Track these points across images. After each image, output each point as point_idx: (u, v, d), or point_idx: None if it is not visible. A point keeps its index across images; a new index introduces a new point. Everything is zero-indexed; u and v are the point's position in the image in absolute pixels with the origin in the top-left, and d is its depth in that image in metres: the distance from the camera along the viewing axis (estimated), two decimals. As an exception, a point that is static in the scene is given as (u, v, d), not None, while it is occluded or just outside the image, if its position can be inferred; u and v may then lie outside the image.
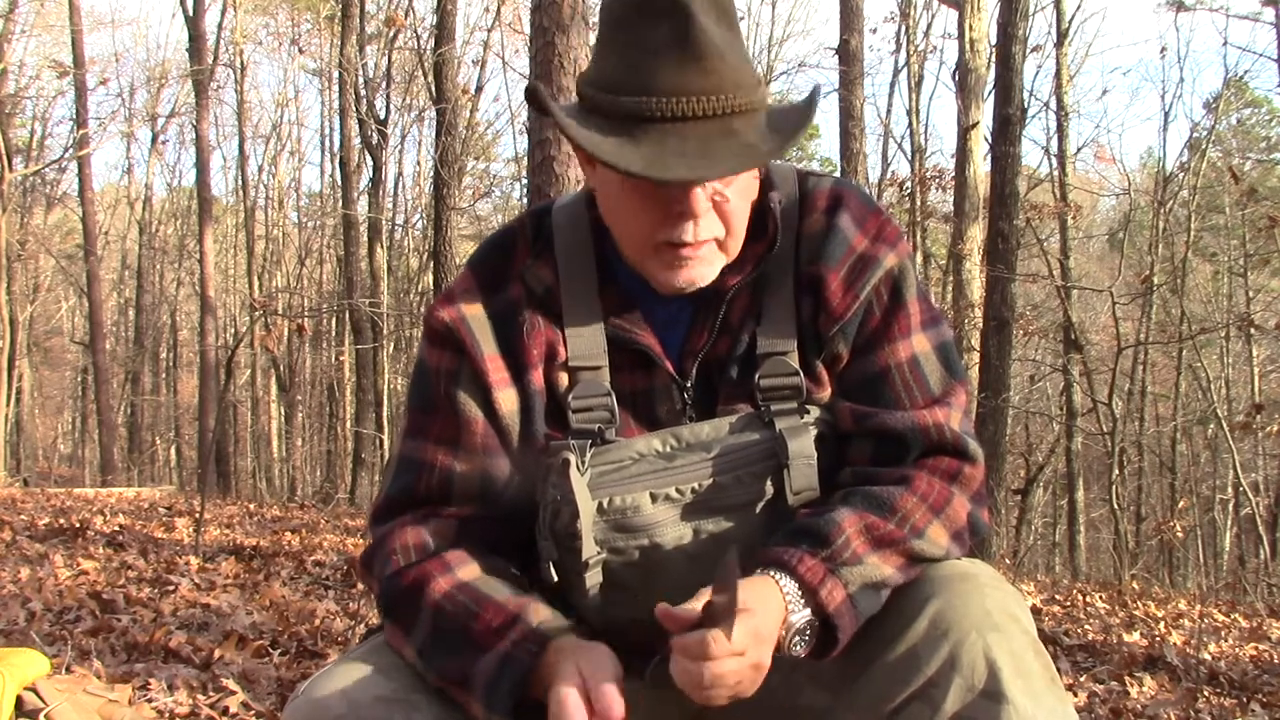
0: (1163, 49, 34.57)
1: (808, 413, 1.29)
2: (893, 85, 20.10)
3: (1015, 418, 14.19)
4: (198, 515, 6.57)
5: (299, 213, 25.51)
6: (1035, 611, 5.23)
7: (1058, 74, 14.95)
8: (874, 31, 20.85)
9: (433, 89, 12.53)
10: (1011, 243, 9.25)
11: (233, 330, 22.61)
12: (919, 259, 15.61)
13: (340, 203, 17.26)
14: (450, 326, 1.30)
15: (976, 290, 11.51)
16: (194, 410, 22.22)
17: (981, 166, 11.64)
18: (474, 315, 1.31)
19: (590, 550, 1.24)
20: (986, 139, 10.93)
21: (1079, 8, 23.85)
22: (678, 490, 1.25)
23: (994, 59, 10.72)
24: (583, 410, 1.28)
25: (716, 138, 1.18)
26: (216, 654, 3.10)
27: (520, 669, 1.16)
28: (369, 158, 15.70)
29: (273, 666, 3.04)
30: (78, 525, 6.64)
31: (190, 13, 18.00)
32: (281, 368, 21.85)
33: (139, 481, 17.88)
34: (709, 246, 1.25)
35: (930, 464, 1.27)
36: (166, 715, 2.53)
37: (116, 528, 6.76)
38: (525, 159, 7.90)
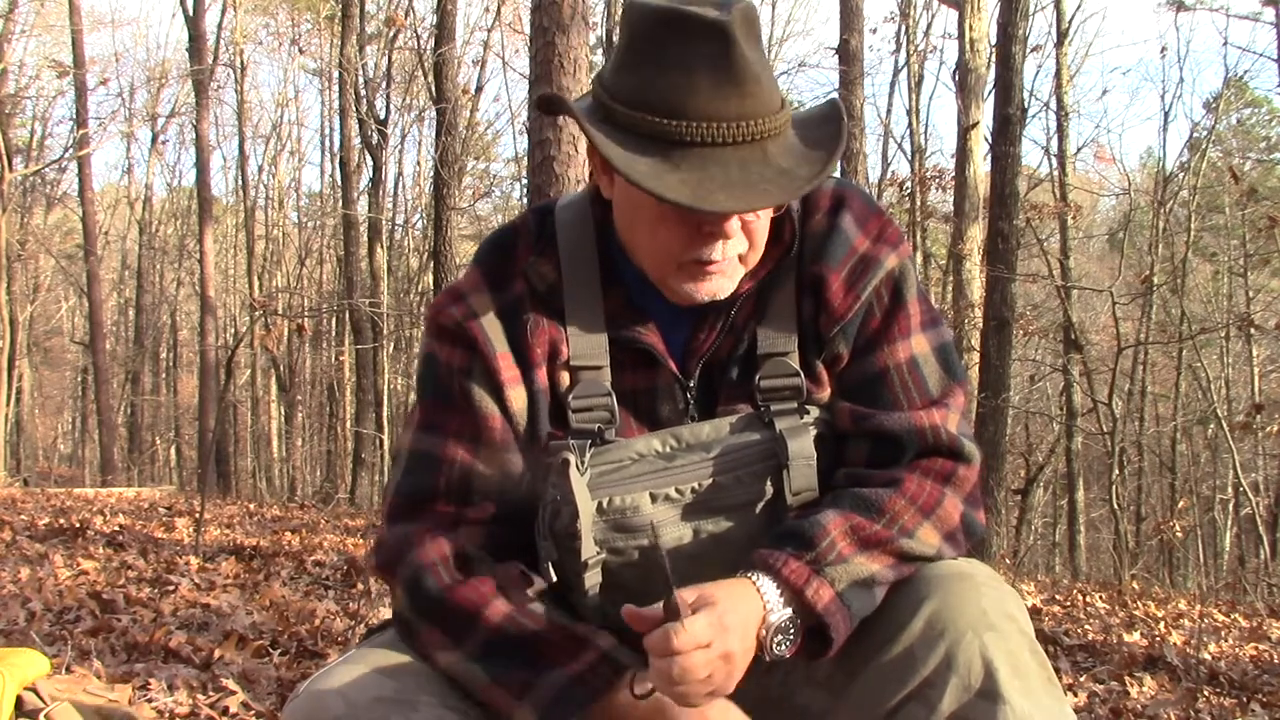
0: (1163, 49, 34.61)
1: (808, 413, 1.29)
2: (893, 85, 20.12)
3: (1015, 418, 14.18)
4: (198, 515, 6.57)
5: (299, 213, 25.55)
6: (1035, 611, 5.23)
7: (1058, 74, 14.95)
8: (874, 31, 20.83)
9: (433, 89, 12.53)
10: (1011, 243, 9.25)
11: (233, 330, 22.61)
12: (919, 259, 15.62)
13: (340, 203, 17.26)
14: (462, 324, 1.30)
15: (976, 290, 11.51)
16: (194, 410, 22.22)
17: (981, 166, 11.64)
18: (485, 313, 1.31)
19: (590, 551, 1.24)
20: (986, 139, 10.93)
21: (1079, 8, 23.84)
22: (677, 490, 1.26)
23: (994, 59, 10.73)
24: (583, 410, 1.29)
25: (755, 164, 1.18)
26: (216, 654, 3.10)
27: (591, 691, 1.17)
28: (369, 158, 15.71)
29: (273, 666, 3.04)
30: (78, 525, 6.64)
31: (190, 13, 18.00)
32: (281, 368, 21.85)
33: (139, 481, 17.88)
34: (733, 262, 1.26)
35: (924, 465, 1.28)
36: (166, 715, 2.53)
37: (116, 528, 6.76)
38: (525, 159, 7.91)
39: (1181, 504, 13.29)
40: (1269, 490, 15.35)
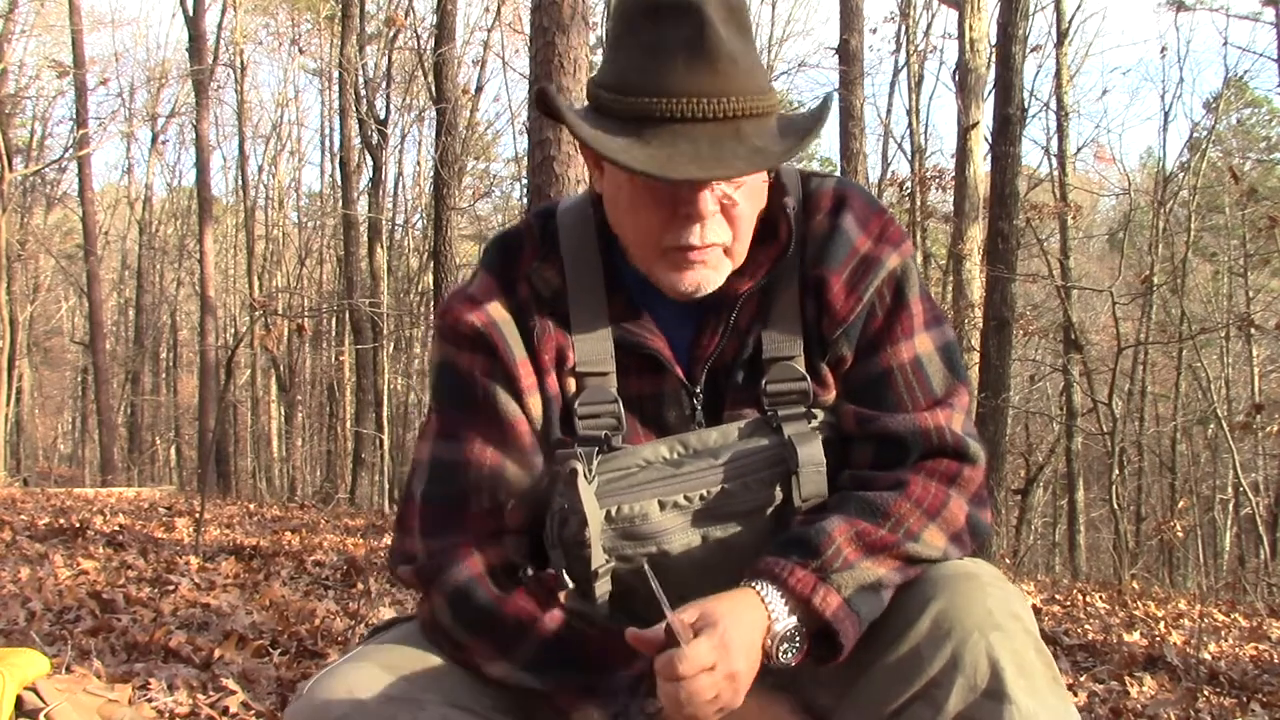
0: (1163, 49, 34.60)
1: (814, 416, 1.29)
2: (893, 85, 20.09)
3: (1015, 418, 14.19)
4: (198, 515, 6.57)
5: (299, 213, 25.54)
6: (1035, 611, 5.21)
7: (1058, 74, 14.94)
8: (874, 31, 20.83)
9: (433, 89, 12.53)
10: (1011, 243, 9.25)
11: (233, 330, 22.60)
12: (919, 259, 15.59)
13: (340, 203, 17.26)
14: (483, 330, 1.29)
15: (976, 290, 11.51)
16: (194, 410, 22.21)
17: (981, 166, 11.64)
18: (502, 319, 1.30)
19: (599, 559, 1.24)
20: (986, 139, 10.93)
21: (1079, 8, 23.82)
22: (686, 498, 1.25)
23: (994, 59, 10.72)
24: (589, 417, 1.28)
25: (727, 140, 1.18)
26: (216, 654, 3.09)
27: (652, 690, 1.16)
28: (369, 158, 15.70)
29: (273, 666, 3.04)
30: (78, 525, 6.63)
31: (190, 13, 18.00)
32: (281, 368, 21.84)
33: (139, 481, 17.88)
34: (715, 252, 1.24)
35: (928, 467, 1.27)
36: (166, 715, 2.52)
37: (116, 528, 6.76)
38: (525, 159, 7.91)
39: (1181, 504, 13.29)
40: (1269, 490, 15.35)
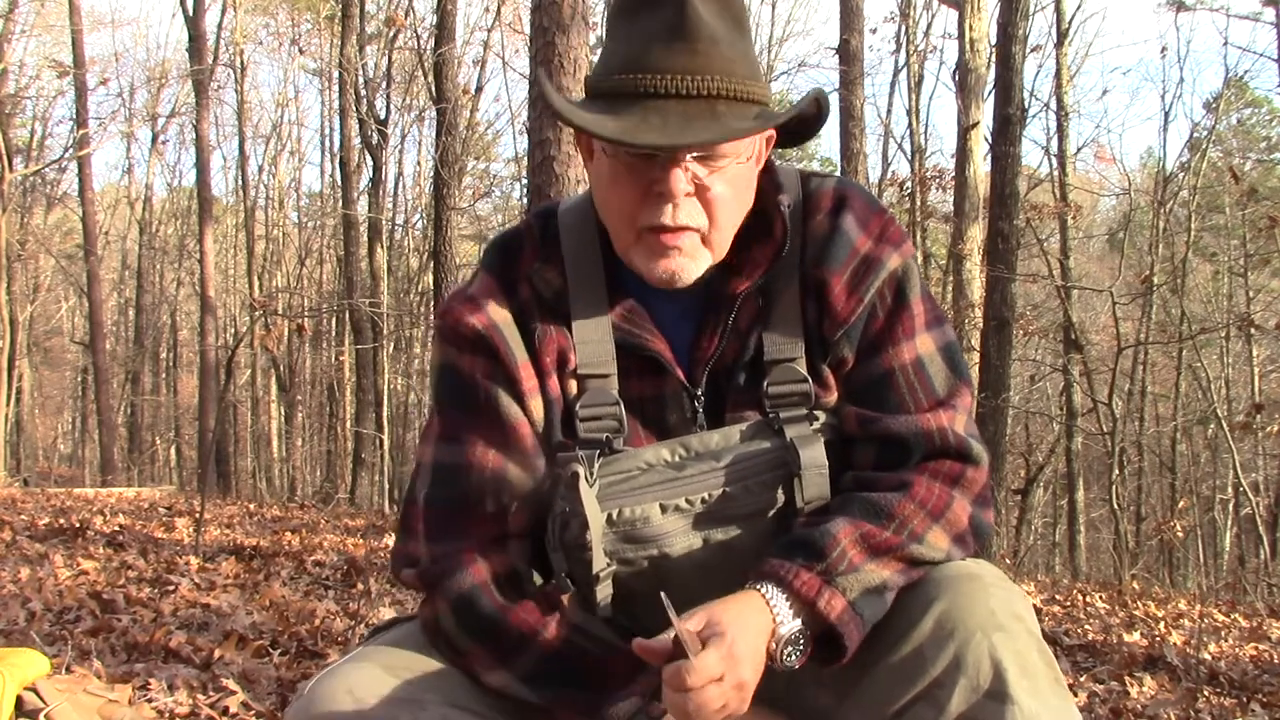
0: (1163, 49, 34.66)
1: (816, 418, 1.28)
2: (893, 85, 20.13)
3: (1015, 418, 14.19)
4: (198, 515, 6.57)
5: (299, 213, 25.54)
6: (1036, 612, 5.22)
7: (1058, 74, 14.95)
8: (874, 31, 20.81)
9: (433, 89, 12.52)
10: (1011, 243, 9.25)
11: (233, 330, 22.60)
12: (919, 259, 15.57)
13: (340, 203, 17.26)
14: (484, 333, 1.29)
15: (976, 290, 11.51)
16: (194, 410, 22.21)
17: (981, 166, 11.63)
18: (504, 322, 1.30)
19: (601, 563, 1.23)
20: (986, 139, 10.93)
21: (1079, 8, 23.81)
22: (687, 501, 1.25)
23: (994, 59, 10.72)
24: (591, 419, 1.28)
25: (699, 118, 1.19)
26: (216, 654, 3.09)
27: (658, 714, 1.17)
28: (369, 158, 15.71)
29: (273, 666, 3.04)
30: (78, 525, 6.63)
31: (190, 13, 18.00)
32: (281, 368, 21.84)
33: (139, 481, 17.88)
34: (691, 239, 1.24)
35: (931, 468, 1.27)
36: (166, 715, 2.52)
37: (116, 528, 6.76)
38: (525, 159, 7.90)
39: (1181, 504, 13.29)
40: (1269, 490, 15.35)
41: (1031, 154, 17.20)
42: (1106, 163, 20.53)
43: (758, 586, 1.18)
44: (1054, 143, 15.40)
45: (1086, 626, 4.94)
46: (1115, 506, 11.17)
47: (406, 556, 1.31)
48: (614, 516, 1.25)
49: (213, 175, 21.94)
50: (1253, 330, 14.15)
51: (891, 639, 1.19)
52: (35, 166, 21.69)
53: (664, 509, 1.25)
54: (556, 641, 1.23)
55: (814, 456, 1.25)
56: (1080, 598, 6.30)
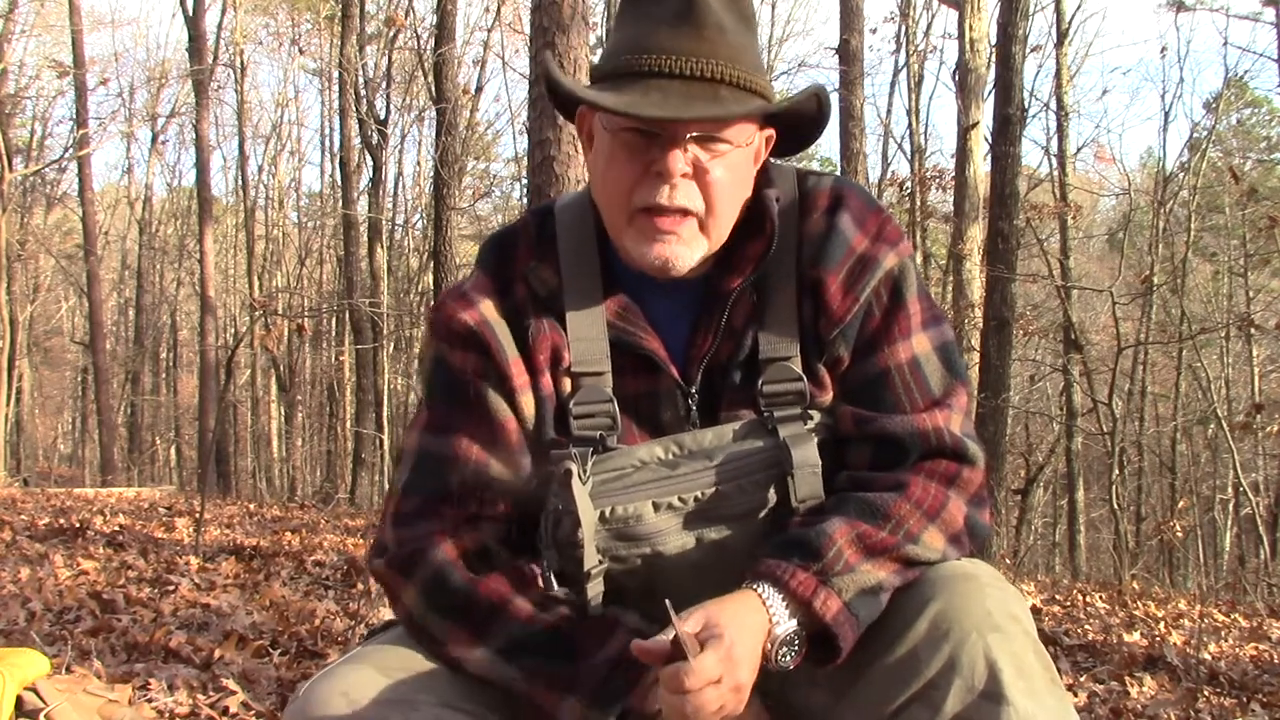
0: (1163, 49, 34.65)
1: (811, 418, 1.28)
2: (893, 85, 20.13)
3: (1015, 418, 14.18)
4: (198, 515, 6.57)
5: (299, 213, 25.55)
6: (1035, 611, 5.23)
7: (1058, 74, 14.95)
8: (874, 31, 20.80)
9: (433, 89, 12.53)
10: (1011, 243, 9.25)
11: (233, 330, 22.60)
12: (919, 259, 15.59)
13: (340, 203, 17.26)
14: (475, 329, 1.29)
15: (976, 290, 11.51)
16: (194, 410, 22.21)
17: (981, 166, 11.64)
18: (495, 319, 1.30)
19: (592, 560, 1.23)
20: (986, 139, 10.93)
21: (1079, 8, 23.81)
22: (680, 499, 1.25)
23: (994, 59, 10.72)
24: (584, 417, 1.28)
25: (700, 98, 1.20)
26: (216, 654, 3.10)
27: (634, 673, 1.17)
28: (369, 158, 15.71)
29: (273, 666, 3.04)
30: (78, 525, 6.63)
31: (190, 13, 18.00)
32: (281, 368, 21.84)
33: (139, 481, 17.87)
34: (688, 225, 1.24)
35: (928, 468, 1.26)
36: (166, 715, 2.53)
37: (116, 528, 6.76)
38: (525, 159, 7.90)
39: (1181, 504, 13.28)
40: (1269, 490, 15.35)
41: (1031, 154, 17.23)
42: (1106, 163, 20.55)
43: (754, 586, 1.19)
44: (1054, 143, 15.42)
45: (1086, 626, 4.94)
46: (1115, 506, 11.17)
47: (377, 546, 1.32)
48: (607, 514, 1.25)
49: (213, 175, 22.01)
50: (1253, 330, 14.15)
51: (887, 639, 1.19)
52: (35, 166, 21.70)
53: (657, 507, 1.25)
54: (528, 610, 1.22)
55: (806, 455, 1.25)
56: (1080, 598, 6.30)
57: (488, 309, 1.30)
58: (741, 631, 1.13)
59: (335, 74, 17.19)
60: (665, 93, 1.19)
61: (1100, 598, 6.40)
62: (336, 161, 18.33)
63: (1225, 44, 27.43)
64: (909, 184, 15.14)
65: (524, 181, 15.38)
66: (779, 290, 1.30)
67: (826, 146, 21.12)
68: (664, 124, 1.21)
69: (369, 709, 1.16)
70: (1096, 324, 18.72)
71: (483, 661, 1.22)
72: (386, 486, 13.87)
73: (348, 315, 16.43)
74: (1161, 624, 5.18)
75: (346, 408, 18.60)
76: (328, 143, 22.65)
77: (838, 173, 8.75)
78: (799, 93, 1.29)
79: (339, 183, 18.04)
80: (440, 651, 1.25)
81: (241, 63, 20.06)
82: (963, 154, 12.09)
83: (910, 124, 18.07)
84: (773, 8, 21.46)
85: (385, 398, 14.75)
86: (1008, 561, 10.45)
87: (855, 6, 11.91)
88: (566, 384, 1.30)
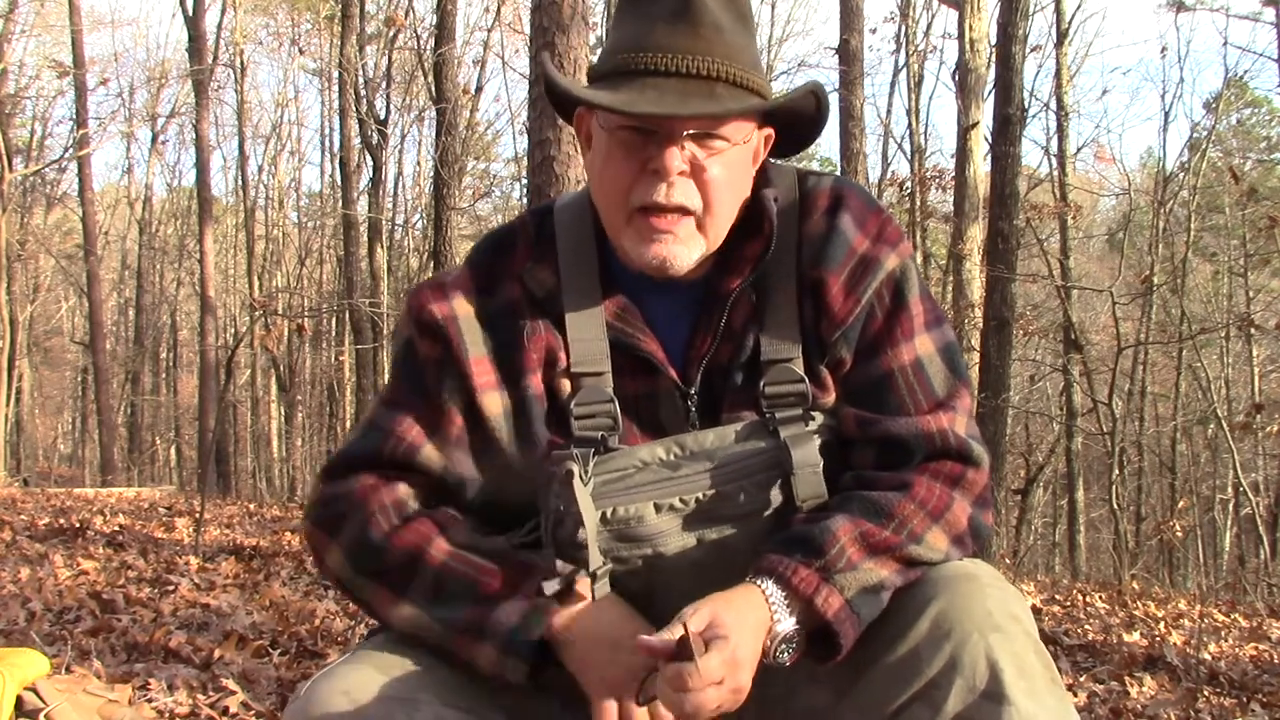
0: (1163, 49, 34.61)
1: (812, 419, 1.28)
2: (893, 85, 20.10)
3: (1015, 418, 14.18)
4: (198, 515, 6.57)
5: (299, 213, 25.55)
6: (1035, 611, 5.23)
7: (1058, 74, 14.95)
8: (874, 31, 20.78)
9: (433, 89, 12.52)
10: (1011, 243, 9.24)
11: (233, 330, 22.61)
12: (919, 259, 15.59)
13: (340, 203, 17.26)
14: (441, 323, 1.29)
15: (976, 290, 11.50)
16: (194, 410, 22.22)
17: (981, 166, 11.63)
18: (464, 315, 1.30)
19: (597, 561, 1.23)
20: (986, 139, 10.93)
21: (1079, 8, 23.80)
22: (682, 500, 1.25)
23: (994, 59, 10.72)
24: (585, 417, 1.28)
25: (696, 96, 1.20)
26: (216, 654, 3.10)
27: (546, 612, 1.19)
28: (369, 158, 15.69)
29: (273, 666, 3.04)
30: (78, 525, 6.64)
31: (190, 13, 18.01)
32: (281, 368, 21.85)
33: (139, 481, 17.88)
34: (686, 225, 1.24)
35: (932, 468, 1.26)
36: (166, 715, 2.53)
37: (116, 528, 6.76)
38: (525, 159, 7.90)
39: (1181, 504, 13.28)
40: (1269, 490, 15.35)
41: (1031, 154, 17.24)
42: (1106, 163, 20.54)
43: (756, 581, 1.19)
44: (1054, 143, 15.42)
45: (1086, 626, 4.94)
46: (1115, 506, 11.17)
47: (308, 505, 1.34)
48: (608, 515, 1.25)
49: (213, 175, 22.00)
50: (1253, 330, 14.15)
51: (888, 639, 1.19)
52: (35, 166, 21.70)
53: (658, 508, 1.25)
54: (443, 556, 1.23)
55: (806, 456, 1.25)
56: (1080, 598, 6.30)
57: (460, 305, 1.30)
58: (744, 633, 1.14)
59: (335, 74, 17.19)
60: (661, 90, 1.19)
61: (1100, 598, 6.40)
62: (336, 161, 18.35)
63: (1225, 44, 27.48)
64: (909, 184, 15.14)
65: (524, 181, 15.37)
66: (779, 291, 1.30)
67: (826, 146, 21.14)
68: (660, 121, 1.21)
69: (371, 707, 1.16)
70: (1096, 324, 18.72)
71: (409, 617, 1.23)
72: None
73: (348, 315, 16.43)
74: (1161, 624, 5.18)
75: (346, 408, 18.60)
76: (328, 143, 22.69)
77: (838, 173, 8.75)
78: (796, 90, 1.29)
79: (339, 183, 18.05)
80: (374, 614, 1.27)
81: (241, 63, 20.08)
82: (963, 154, 12.09)
83: (910, 124, 18.08)
84: (773, 8, 21.49)
85: (385, 398, 14.72)
86: (1008, 561, 10.45)
87: (855, 6, 11.91)
88: (566, 385, 1.30)
